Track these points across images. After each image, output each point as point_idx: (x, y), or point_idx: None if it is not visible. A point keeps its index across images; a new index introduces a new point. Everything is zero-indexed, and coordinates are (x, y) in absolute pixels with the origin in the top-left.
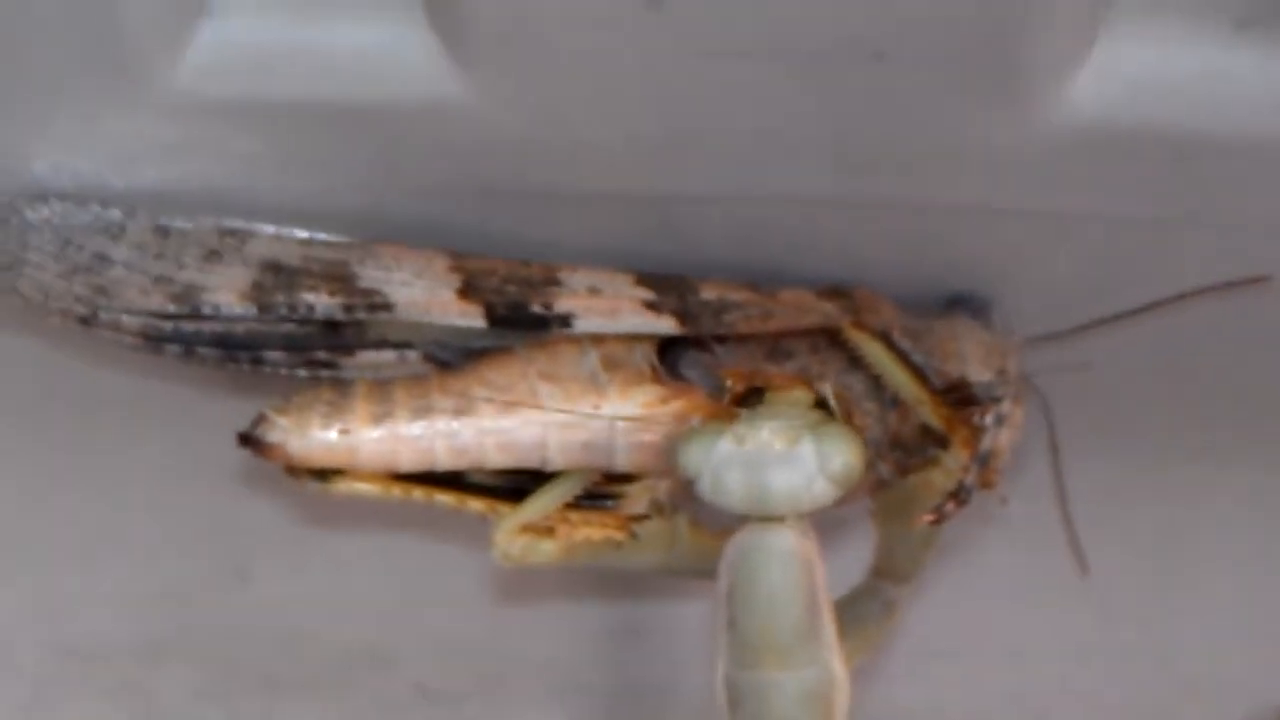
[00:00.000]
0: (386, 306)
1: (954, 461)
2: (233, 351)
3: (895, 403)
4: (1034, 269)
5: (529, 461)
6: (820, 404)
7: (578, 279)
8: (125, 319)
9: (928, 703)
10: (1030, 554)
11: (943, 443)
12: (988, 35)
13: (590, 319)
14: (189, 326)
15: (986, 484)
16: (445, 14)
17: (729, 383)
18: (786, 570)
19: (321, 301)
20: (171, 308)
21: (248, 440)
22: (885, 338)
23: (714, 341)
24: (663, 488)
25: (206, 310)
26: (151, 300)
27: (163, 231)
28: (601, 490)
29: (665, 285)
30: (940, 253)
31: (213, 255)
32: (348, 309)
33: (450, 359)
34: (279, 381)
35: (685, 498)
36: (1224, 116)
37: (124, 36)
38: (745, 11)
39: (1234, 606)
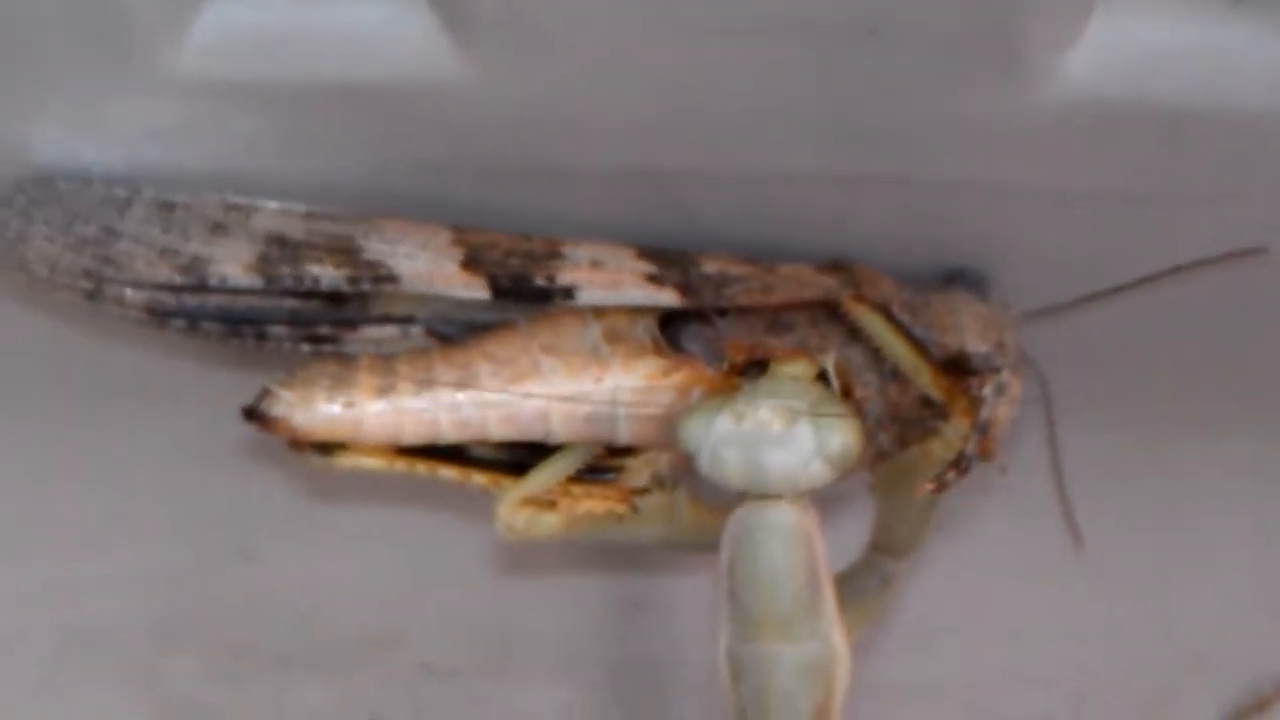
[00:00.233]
0: (391, 278)
1: (953, 432)
2: (237, 326)
3: (894, 375)
4: (1031, 244)
5: (532, 434)
6: (821, 377)
7: (580, 252)
8: (130, 293)
9: (927, 677)
10: (1029, 528)
11: (942, 414)
12: (983, 11)
13: (593, 291)
14: (193, 301)
15: (985, 454)
16: None
17: (730, 355)
18: (787, 545)
19: (327, 273)
20: (178, 279)
21: (252, 414)
22: (884, 310)
23: (715, 315)
24: (663, 461)
25: (213, 281)
26: (159, 272)
27: (168, 206)
28: (603, 464)
29: (667, 259)
30: (937, 228)
31: (218, 228)
32: (353, 280)
33: (453, 333)
34: (283, 356)
35: (685, 472)
36: (1219, 91)
37: (127, 18)
38: None
39: (1233, 579)
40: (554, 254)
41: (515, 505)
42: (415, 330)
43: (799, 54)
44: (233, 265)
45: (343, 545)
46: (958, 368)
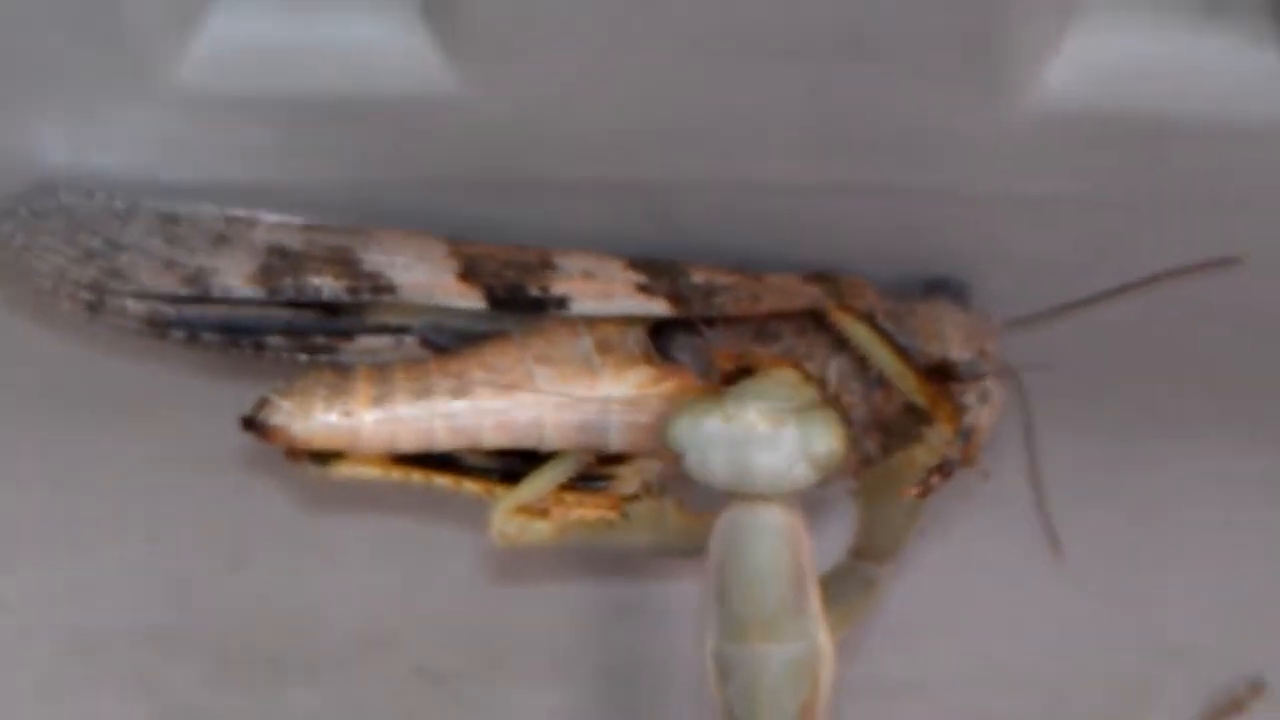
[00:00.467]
0: (390, 289)
1: (937, 437)
2: (235, 336)
3: (880, 383)
4: (1011, 252)
5: (525, 442)
6: (809, 383)
7: (572, 263)
8: (131, 305)
9: (909, 675)
10: (1010, 528)
11: (926, 420)
12: (963, 22)
13: (586, 301)
14: (193, 312)
15: (969, 460)
16: (440, 9)
17: (719, 364)
18: (774, 546)
19: (327, 284)
20: (183, 290)
21: (251, 424)
22: (869, 319)
23: (703, 325)
24: (653, 469)
25: (217, 292)
26: (163, 282)
27: (171, 218)
28: (594, 472)
29: (656, 270)
30: (919, 237)
31: (220, 240)
32: (353, 291)
33: (447, 343)
34: (280, 366)
35: (674, 478)
36: (1195, 101)
37: (128, 32)
38: (728, 2)
39: (1211, 578)
40: (547, 264)
41: (509, 513)
42: (410, 340)
43: (784, 66)
44: (236, 277)
45: (338, 552)
46: (941, 375)
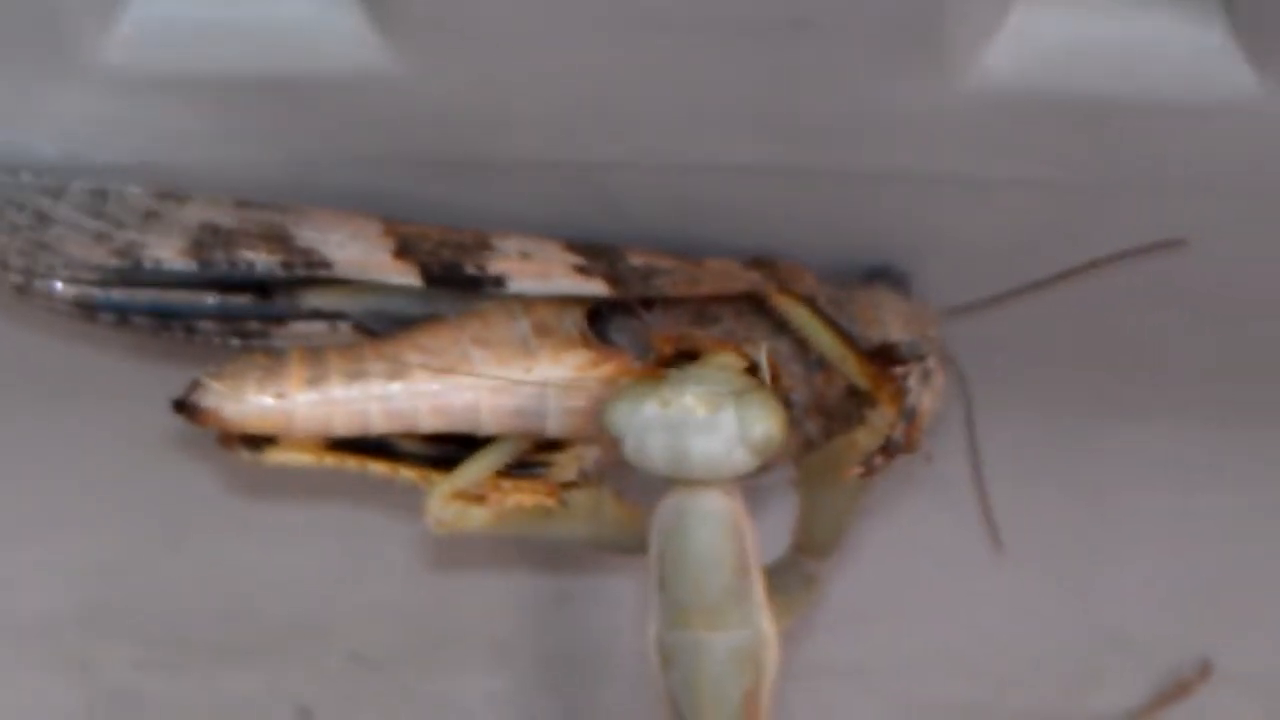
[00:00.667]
0: (325, 264)
1: (880, 420)
2: (166, 320)
3: (820, 366)
4: (952, 234)
5: (462, 425)
6: (750, 368)
7: (509, 244)
8: (60, 287)
9: (855, 660)
10: (952, 514)
11: (869, 402)
12: (905, 4)
13: (523, 281)
14: (122, 295)
15: (911, 445)
16: None
17: (657, 346)
18: (715, 532)
19: (260, 259)
20: (114, 262)
21: (182, 406)
22: (810, 302)
23: (642, 308)
24: (590, 456)
25: (148, 265)
26: (93, 255)
27: (100, 194)
28: (531, 459)
29: (594, 252)
30: (860, 220)
31: (150, 215)
32: (287, 266)
33: (382, 330)
34: (213, 351)
35: (612, 468)
36: (1138, 81)
37: (53, 11)
38: None
39: (1155, 563)
40: (483, 245)
41: (445, 498)
42: (344, 327)
43: (724, 46)
44: (167, 250)
45: (273, 537)
46: (883, 358)
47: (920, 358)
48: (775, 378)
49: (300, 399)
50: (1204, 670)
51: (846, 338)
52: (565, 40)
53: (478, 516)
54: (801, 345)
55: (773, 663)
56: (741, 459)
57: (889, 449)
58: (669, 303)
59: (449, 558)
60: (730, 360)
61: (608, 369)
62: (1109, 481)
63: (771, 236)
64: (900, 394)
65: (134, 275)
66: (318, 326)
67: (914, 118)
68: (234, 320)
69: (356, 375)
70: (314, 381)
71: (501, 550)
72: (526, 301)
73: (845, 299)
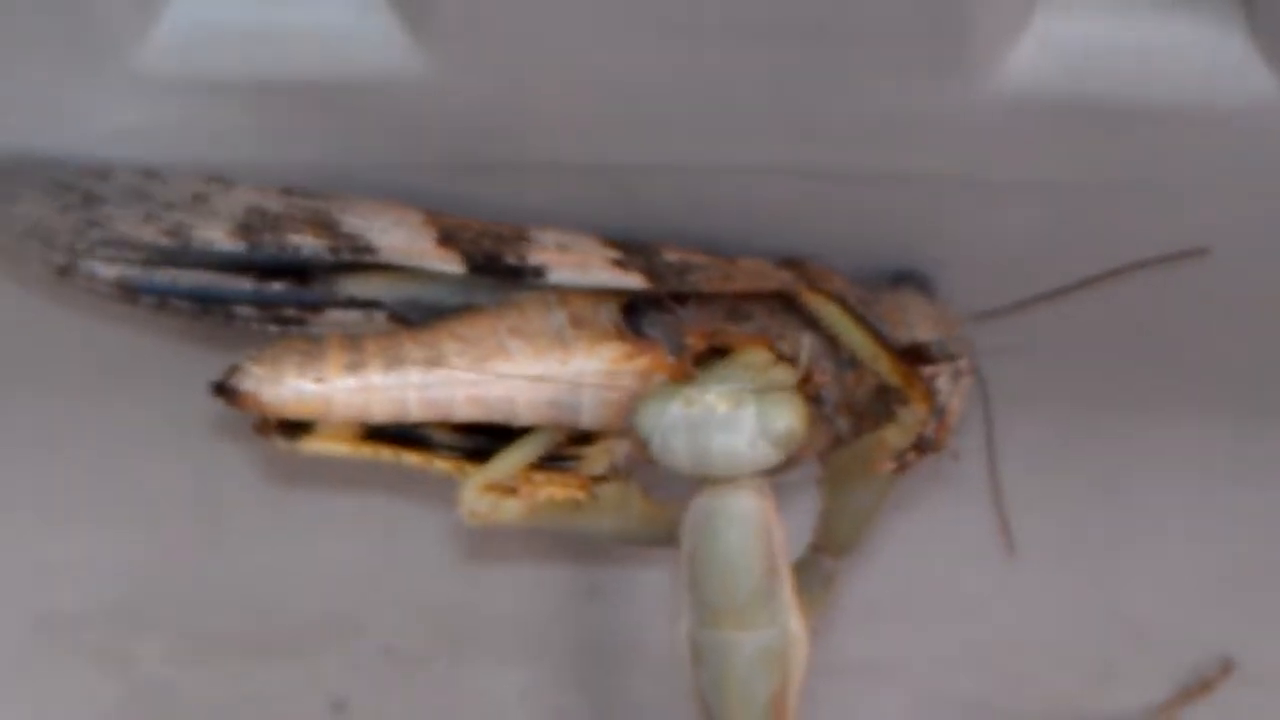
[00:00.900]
0: (370, 249)
1: (910, 417)
2: (205, 305)
3: (851, 364)
4: (975, 237)
5: (497, 415)
6: (780, 363)
7: (547, 237)
8: (101, 269)
9: (876, 656)
10: (973, 510)
11: (898, 400)
12: (929, 5)
13: (562, 271)
14: (163, 278)
15: (940, 443)
16: None
17: (691, 341)
18: (745, 533)
19: (307, 242)
20: (164, 241)
21: (222, 389)
22: (841, 301)
23: (676, 304)
24: (620, 450)
25: (197, 245)
26: (143, 234)
27: (149, 176)
28: (562, 453)
29: (630, 248)
30: (885, 222)
31: (199, 198)
32: (333, 250)
33: (417, 320)
34: (251, 337)
35: (641, 462)
36: (1160, 85)
37: (92, 17)
38: None
39: (1175, 559)
40: (522, 237)
41: (479, 490)
42: (380, 316)
43: (748, 50)
44: (216, 231)
45: (307, 530)
46: (913, 358)
47: (951, 357)
48: (808, 375)
49: (339, 384)
50: (1225, 667)
51: (878, 336)
52: (593, 45)
53: (511, 509)
54: (832, 343)
55: (801, 662)
56: (763, 452)
57: (920, 445)
58: (702, 299)
59: (481, 551)
60: (758, 357)
61: (642, 362)
62: (1129, 478)
63: (795, 239)
64: (930, 392)
65: (182, 255)
66: (354, 315)
67: (937, 121)
68: (272, 306)
69: (394, 362)
70: (353, 367)
71: (533, 543)
72: (562, 294)
73: (872, 300)
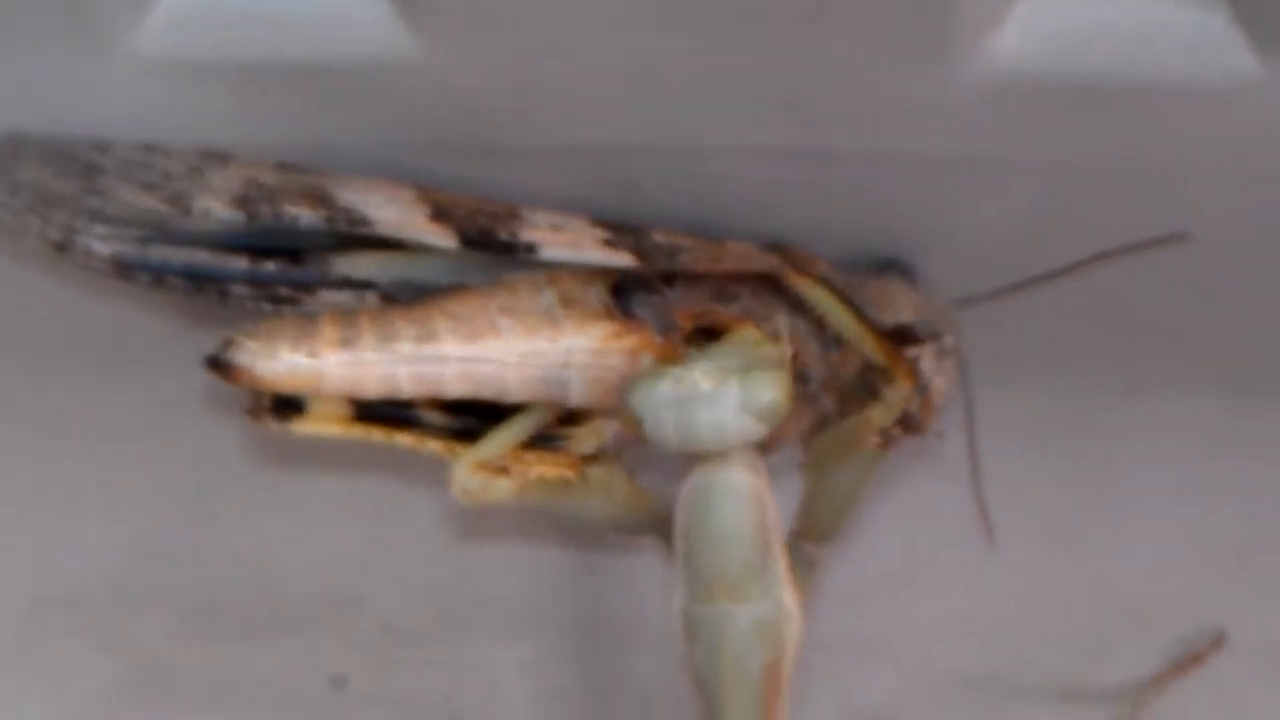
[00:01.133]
0: (366, 222)
1: (895, 396)
2: (199, 283)
3: (836, 345)
4: (961, 217)
5: (487, 392)
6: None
7: (539, 216)
8: (98, 246)
9: (869, 632)
10: (963, 487)
11: (883, 380)
12: None
13: (555, 249)
14: (157, 256)
15: (924, 423)
16: None
17: (679, 321)
18: (738, 507)
19: (304, 214)
20: (164, 209)
21: (216, 363)
22: (826, 283)
23: (664, 285)
24: (609, 430)
25: (197, 213)
26: (144, 202)
27: (148, 149)
28: (552, 433)
29: (619, 229)
30: (870, 204)
31: (196, 170)
32: (330, 221)
33: (409, 300)
34: (246, 315)
35: (629, 442)
36: (1144, 65)
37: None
38: None
39: (1167, 534)
40: (514, 215)
41: (470, 469)
42: (372, 296)
43: (738, 32)
44: (215, 199)
45: (305, 510)
46: (898, 338)
47: (935, 337)
48: (794, 355)
49: (332, 359)
50: (1218, 640)
51: (863, 317)
52: (582, 28)
53: (502, 488)
54: (818, 325)
55: (795, 636)
56: (747, 426)
57: (905, 422)
58: (689, 281)
59: (477, 529)
60: (751, 336)
61: (631, 341)
62: (1121, 453)
63: (782, 221)
64: (915, 371)
65: (181, 226)
66: (347, 295)
67: (922, 103)
68: (266, 285)
69: (387, 338)
70: (345, 342)
71: (529, 522)
72: (552, 274)
73: (857, 285)
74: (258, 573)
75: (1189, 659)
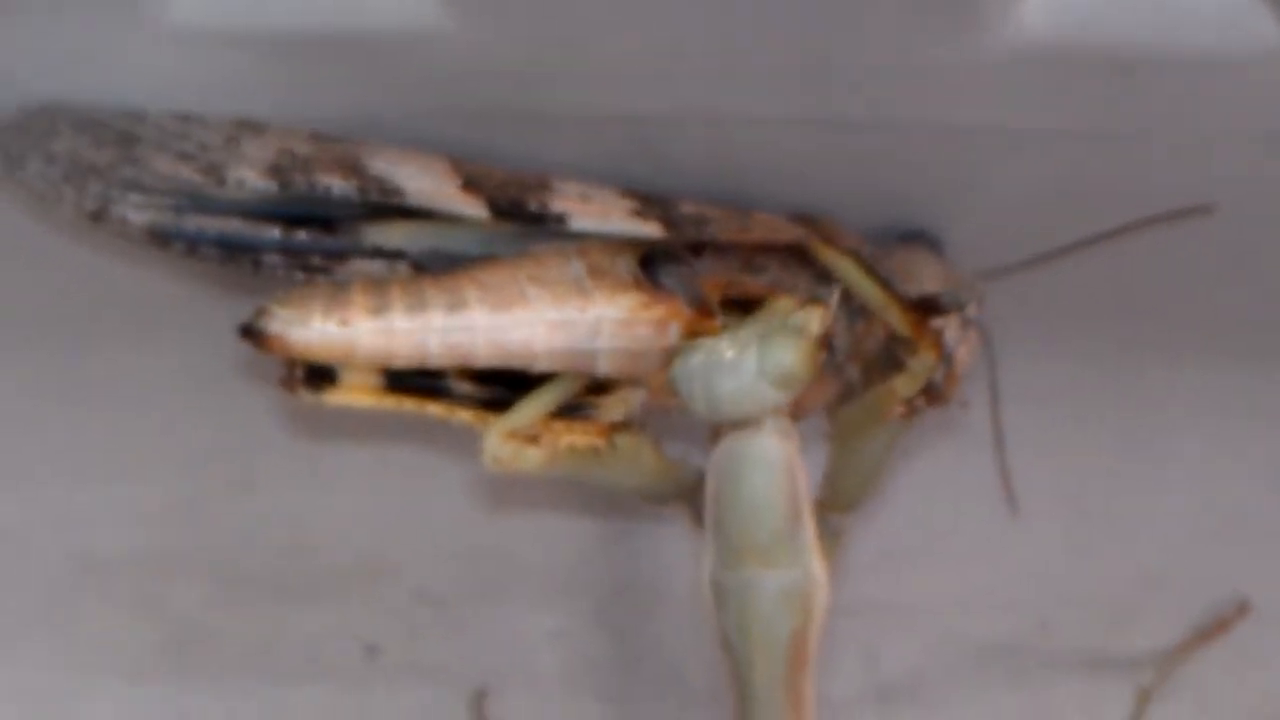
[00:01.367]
0: (398, 192)
1: (919, 366)
2: (233, 252)
3: (861, 315)
4: (987, 185)
5: (515, 361)
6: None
7: (569, 187)
8: (132, 215)
9: (896, 598)
10: (991, 457)
11: (908, 350)
12: None
13: (584, 220)
14: (192, 226)
15: (949, 393)
16: None
17: (707, 292)
18: (767, 475)
19: (337, 183)
20: (199, 179)
21: (248, 332)
22: (853, 253)
23: (692, 256)
24: (636, 399)
25: (231, 183)
26: (180, 171)
27: (183, 118)
28: (579, 402)
29: (648, 199)
30: (896, 173)
31: (231, 140)
32: (362, 190)
33: (440, 269)
34: (278, 284)
35: (657, 411)
36: (1171, 34)
37: None
38: None
39: (1192, 502)
40: (544, 185)
41: (501, 437)
42: (402, 266)
43: (769, 2)
44: (249, 169)
45: (338, 477)
46: (923, 309)
47: (960, 307)
48: (829, 320)
49: (363, 327)
50: (1242, 608)
51: (888, 287)
52: None
53: (532, 456)
54: (843, 295)
55: (822, 603)
56: (767, 393)
57: (930, 392)
58: (717, 252)
59: (508, 497)
60: (783, 306)
61: (659, 311)
62: (1144, 422)
63: (811, 190)
64: (940, 340)
65: (216, 195)
66: (378, 264)
67: (948, 72)
68: (298, 254)
69: (417, 306)
70: (377, 311)
71: (559, 490)
72: (581, 245)
73: (883, 256)
74: (291, 540)
75: (1213, 627)
